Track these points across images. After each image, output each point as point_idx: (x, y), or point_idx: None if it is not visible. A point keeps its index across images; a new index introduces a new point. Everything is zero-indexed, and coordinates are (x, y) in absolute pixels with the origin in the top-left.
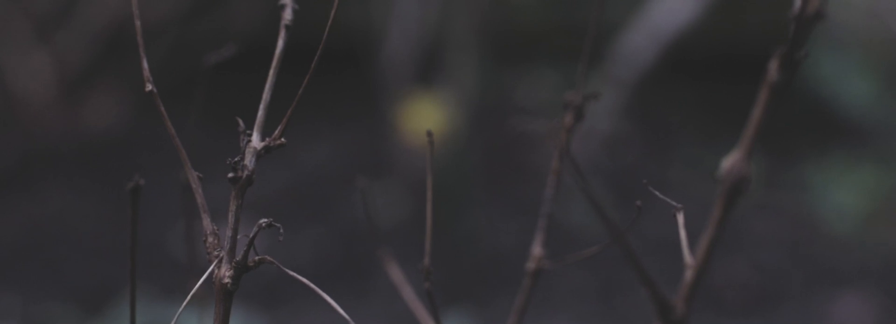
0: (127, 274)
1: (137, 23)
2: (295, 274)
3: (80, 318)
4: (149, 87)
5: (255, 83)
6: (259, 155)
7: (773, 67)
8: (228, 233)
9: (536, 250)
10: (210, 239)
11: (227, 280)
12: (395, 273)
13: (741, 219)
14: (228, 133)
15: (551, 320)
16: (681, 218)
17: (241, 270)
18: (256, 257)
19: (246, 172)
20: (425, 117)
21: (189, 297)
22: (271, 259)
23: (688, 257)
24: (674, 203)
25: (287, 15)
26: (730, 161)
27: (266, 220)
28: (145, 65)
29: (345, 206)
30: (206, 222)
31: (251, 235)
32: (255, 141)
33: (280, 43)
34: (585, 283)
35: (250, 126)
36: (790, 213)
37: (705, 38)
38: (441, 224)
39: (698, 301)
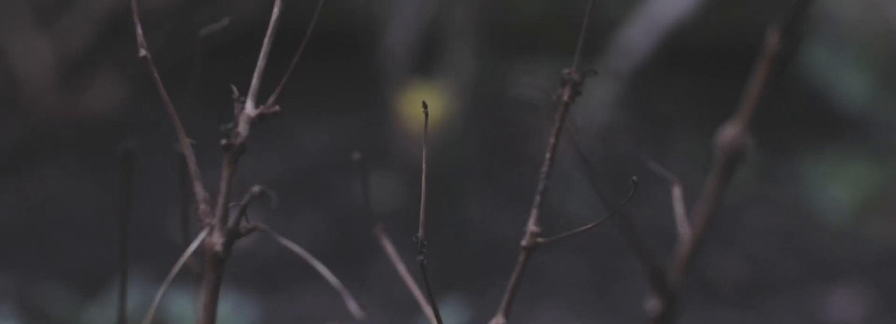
0: (130, 264)
1: None
2: (288, 243)
3: (76, 300)
4: (142, 52)
5: (252, 70)
6: (253, 122)
7: (774, 38)
8: (220, 200)
9: (531, 226)
10: (202, 206)
11: (218, 248)
12: (389, 248)
13: (735, 211)
14: (225, 118)
15: (545, 310)
16: (677, 191)
17: (232, 236)
18: (248, 224)
19: (239, 139)
20: (420, 112)
21: (180, 263)
22: (263, 227)
23: (684, 227)
24: (670, 175)
25: None
26: (729, 132)
27: (258, 187)
28: (139, 30)
29: (341, 193)
30: (199, 189)
31: (243, 203)
32: (249, 108)
33: (276, 9)
34: (580, 273)
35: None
36: (784, 205)
37: (702, 30)
38: (437, 213)
39: (692, 293)
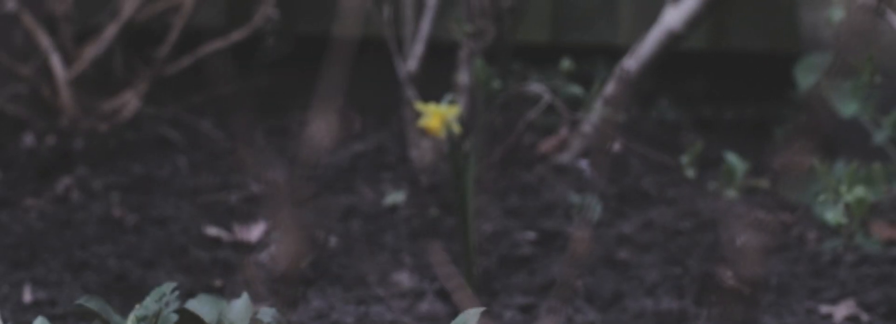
0: (155, 271)
1: None
2: (373, 257)
3: (110, 313)
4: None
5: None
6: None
7: None
8: (302, 217)
9: (581, 232)
10: (282, 225)
11: (299, 264)
12: (436, 252)
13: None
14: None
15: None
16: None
17: (314, 255)
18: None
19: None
20: (435, 123)
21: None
22: (345, 246)
23: (746, 246)
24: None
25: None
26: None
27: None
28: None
29: (358, 195)
30: (285, 210)
31: (324, 227)
32: (322, 134)
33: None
34: (600, 278)
35: (299, 119)
36: (782, 209)
37: (702, 39)
38: (443, 212)
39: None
